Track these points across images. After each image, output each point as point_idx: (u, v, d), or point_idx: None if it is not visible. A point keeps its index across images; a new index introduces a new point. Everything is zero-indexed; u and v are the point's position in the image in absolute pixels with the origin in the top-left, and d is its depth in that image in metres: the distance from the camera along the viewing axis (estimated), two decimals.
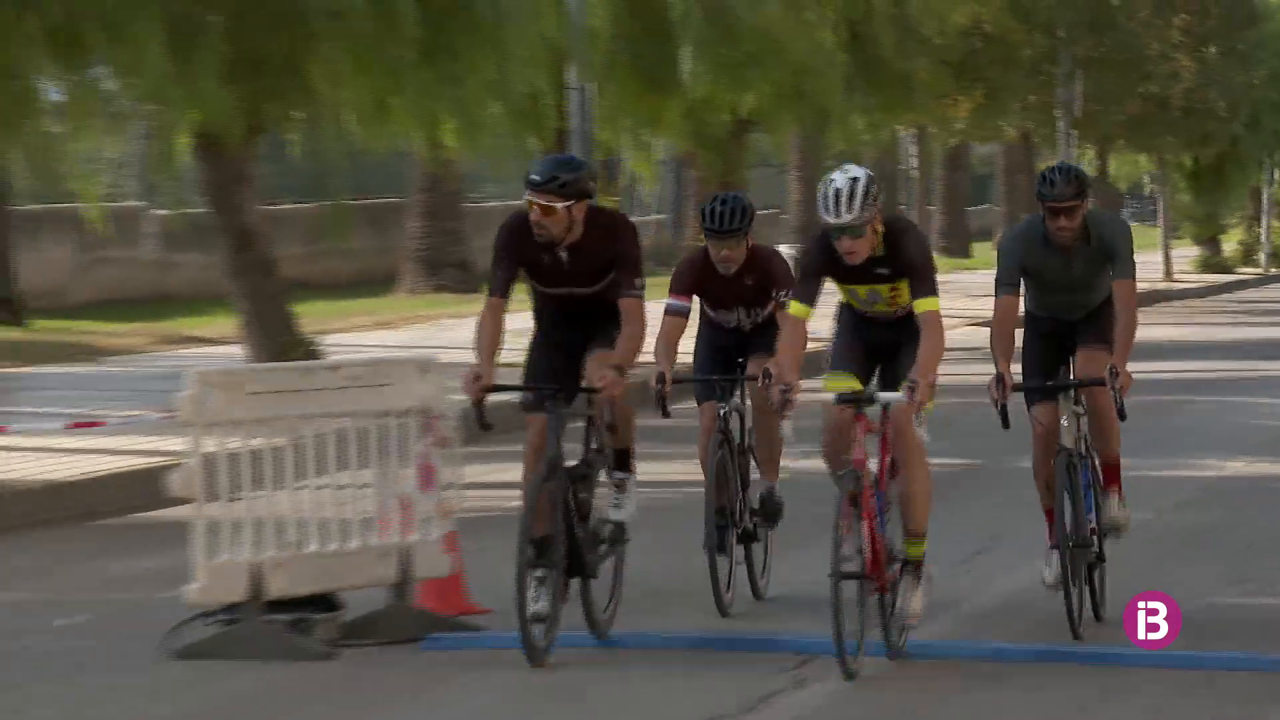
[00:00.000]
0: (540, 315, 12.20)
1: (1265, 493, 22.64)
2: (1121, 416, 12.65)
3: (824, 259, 11.07)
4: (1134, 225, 76.57)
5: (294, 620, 14.34)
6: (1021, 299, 12.71)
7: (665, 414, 12.28)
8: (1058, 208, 11.86)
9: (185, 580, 14.16)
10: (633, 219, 41.09)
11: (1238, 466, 25.03)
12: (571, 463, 12.26)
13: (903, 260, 10.96)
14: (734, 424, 14.10)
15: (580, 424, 12.59)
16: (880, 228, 10.94)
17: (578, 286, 11.55)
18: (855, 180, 10.70)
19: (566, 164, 11.46)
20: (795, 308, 11.17)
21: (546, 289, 11.66)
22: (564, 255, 11.28)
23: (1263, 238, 77.82)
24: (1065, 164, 11.78)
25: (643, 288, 11.50)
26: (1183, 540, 19.72)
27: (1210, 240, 73.39)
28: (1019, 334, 12.81)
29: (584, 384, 12.00)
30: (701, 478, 14.55)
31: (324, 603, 14.56)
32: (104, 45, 22.29)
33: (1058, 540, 12.66)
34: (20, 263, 42.38)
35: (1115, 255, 12.11)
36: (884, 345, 11.67)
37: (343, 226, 33.70)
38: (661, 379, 11.88)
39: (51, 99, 23.78)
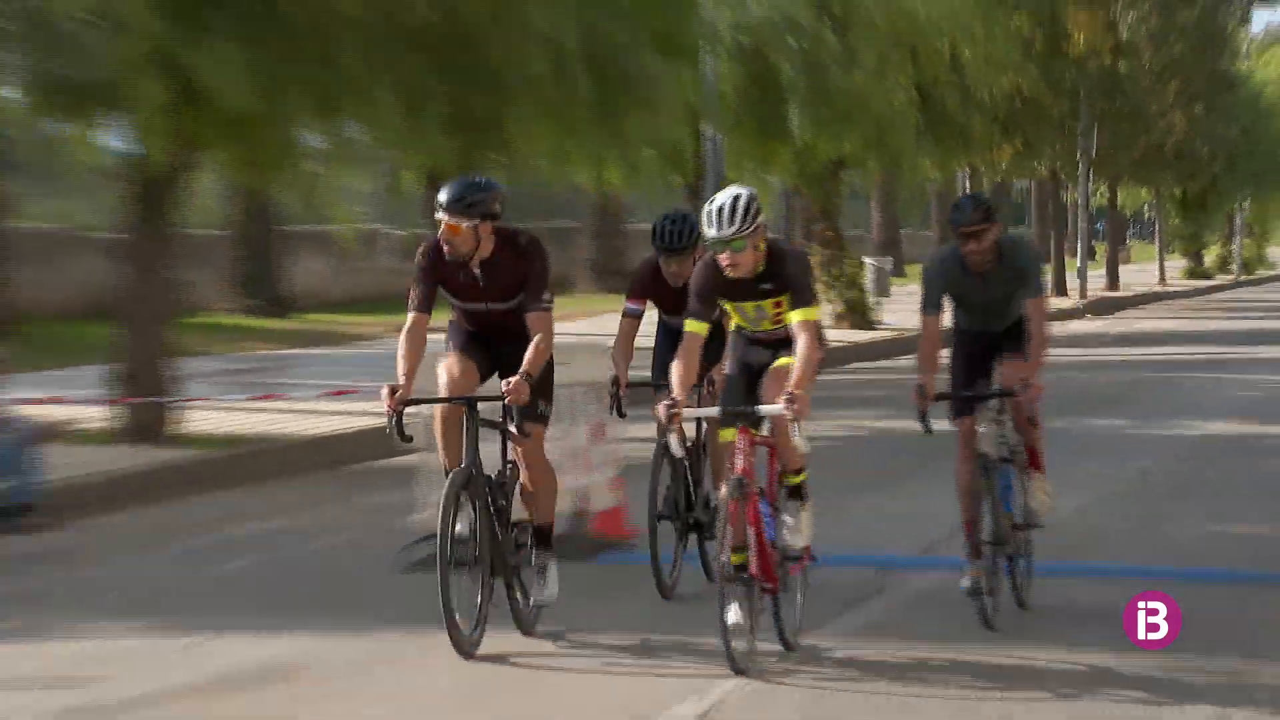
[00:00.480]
0: (455, 330, 11.11)
1: (1242, 447, 22.49)
2: (1032, 423, 11.92)
3: (715, 279, 10.14)
4: (1135, 243, 76.81)
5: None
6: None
7: (621, 415, 11.31)
8: (967, 232, 11.14)
9: (413, 511, 14.43)
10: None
11: (1220, 426, 24.75)
12: (491, 473, 11.02)
13: (784, 276, 10.05)
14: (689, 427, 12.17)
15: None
16: (763, 246, 10.04)
17: (492, 302, 10.58)
18: (737, 197, 9.85)
19: (475, 186, 10.41)
20: (691, 324, 10.20)
21: (464, 305, 10.72)
22: (478, 273, 10.39)
23: (1235, 253, 78.37)
24: (975, 193, 11.44)
25: (550, 301, 10.58)
26: (1176, 484, 19.44)
27: (1195, 254, 73.30)
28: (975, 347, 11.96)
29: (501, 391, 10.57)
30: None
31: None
32: (354, 105, 22.14)
33: (971, 551, 11.61)
34: (288, 270, 43.67)
35: (1024, 277, 11.30)
36: (765, 365, 10.77)
37: None
38: (616, 383, 10.93)
39: (314, 145, 23.71)
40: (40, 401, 19.33)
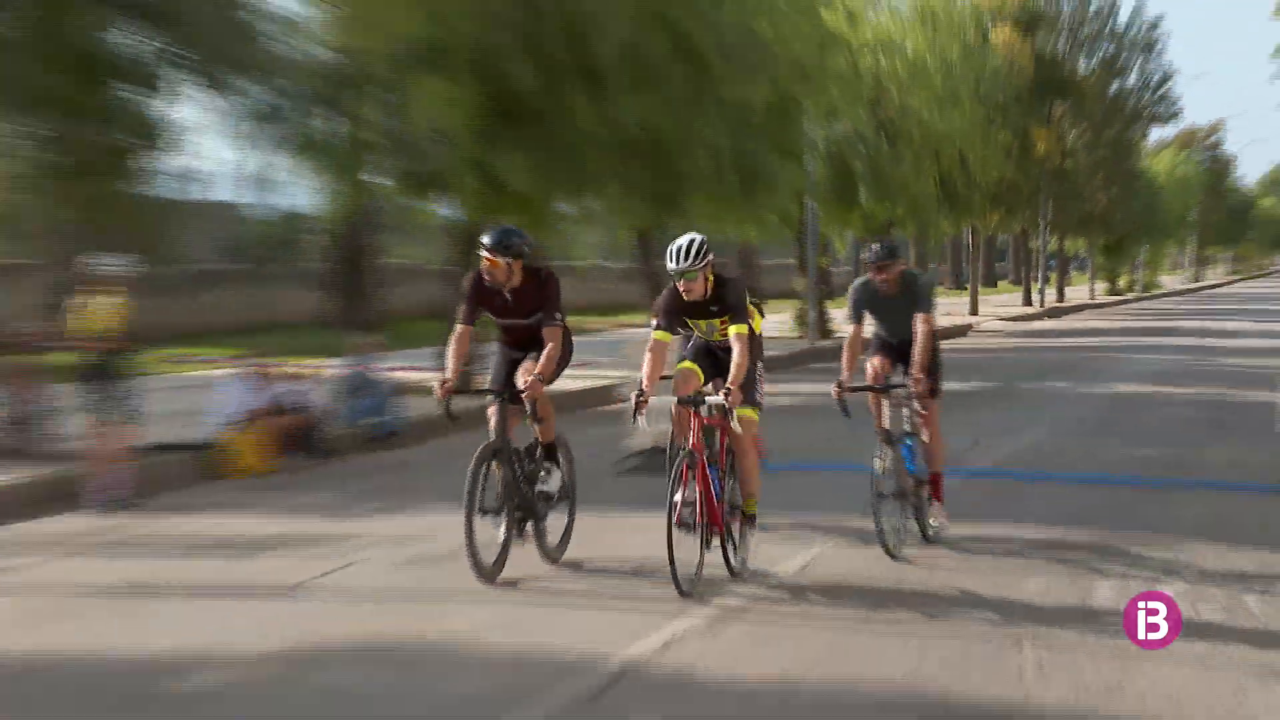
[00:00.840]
0: (499, 339, 10.02)
1: (1143, 401, 21.84)
2: (934, 394, 10.43)
3: (676, 301, 9.20)
4: (1075, 273, 75.14)
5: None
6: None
7: (636, 422, 9.30)
8: (876, 266, 10.20)
9: (626, 438, 14.30)
10: (832, 271, 38.40)
11: (1130, 387, 24.16)
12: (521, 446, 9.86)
13: (725, 302, 9.18)
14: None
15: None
16: (711, 278, 9.12)
17: (519, 318, 9.59)
18: (693, 241, 8.99)
19: (510, 233, 9.50)
20: (658, 334, 9.24)
21: (499, 320, 9.72)
22: (509, 297, 9.47)
23: (1138, 279, 77.16)
24: (883, 239, 10.12)
25: (561, 318, 9.56)
26: (1101, 424, 19.01)
27: (1112, 280, 71.85)
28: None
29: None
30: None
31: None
32: (593, 189, 22.18)
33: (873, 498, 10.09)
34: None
35: (918, 299, 10.24)
36: (718, 365, 9.70)
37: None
38: (642, 393, 9.02)
39: (567, 213, 23.85)
40: (401, 369, 19.63)
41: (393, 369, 18.47)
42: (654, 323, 9.30)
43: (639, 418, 8.83)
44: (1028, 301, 55.33)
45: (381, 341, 19.14)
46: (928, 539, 10.51)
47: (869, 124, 34.54)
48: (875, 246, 10.26)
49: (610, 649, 7.73)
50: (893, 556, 9.92)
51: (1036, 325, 46.39)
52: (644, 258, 28.23)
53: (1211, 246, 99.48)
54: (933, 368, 10.33)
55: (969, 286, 52.84)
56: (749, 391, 9.25)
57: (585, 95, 20.51)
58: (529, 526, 9.67)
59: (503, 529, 9.33)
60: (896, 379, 10.56)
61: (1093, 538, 11.13)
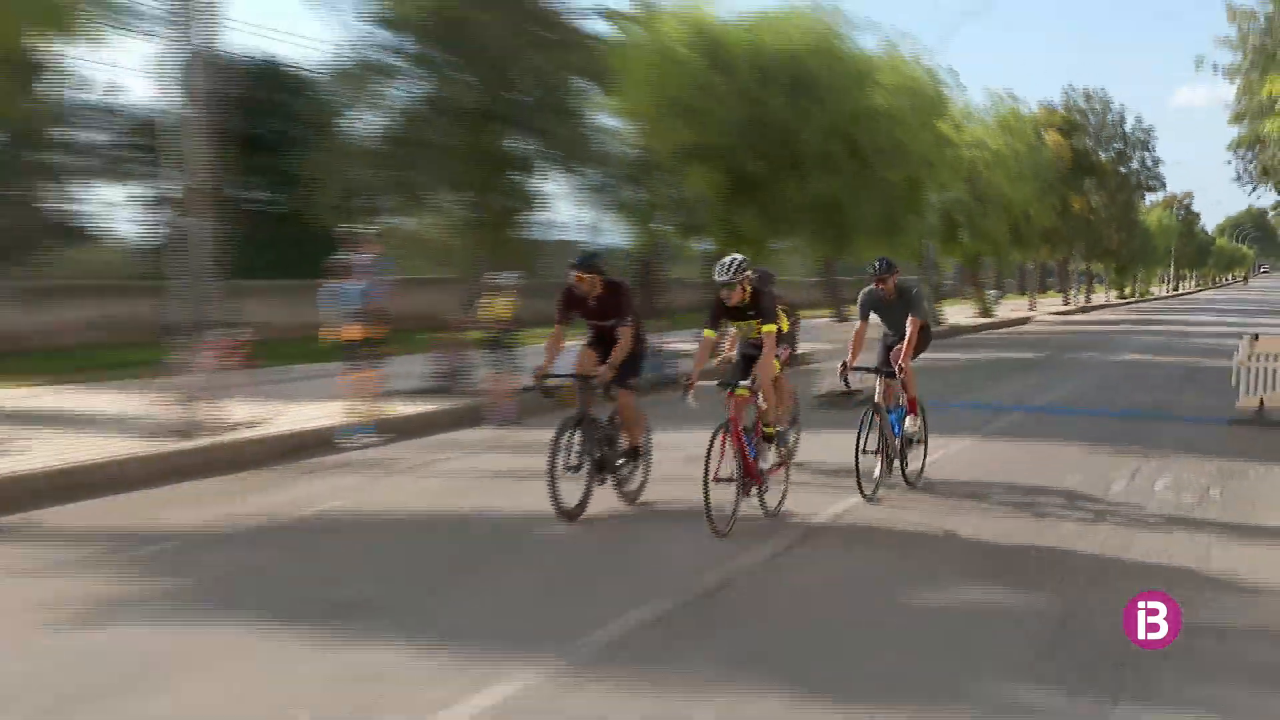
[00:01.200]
0: (588, 337, 8.33)
1: (1142, 365, 21.13)
2: (910, 394, 8.88)
3: (720, 307, 7.64)
4: (1098, 285, 70.15)
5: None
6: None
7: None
8: (876, 279, 8.70)
9: (814, 387, 14.14)
10: (943, 284, 35.94)
11: (1133, 356, 23.17)
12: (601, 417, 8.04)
13: (758, 307, 7.67)
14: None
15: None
16: (749, 288, 7.64)
17: (600, 320, 8.07)
18: (734, 260, 7.55)
19: (592, 255, 8.10)
20: (707, 332, 7.71)
21: (588, 320, 8.17)
22: (593, 303, 7.97)
23: (1136, 289, 72.63)
24: (883, 258, 8.87)
25: (631, 321, 7.97)
26: (1117, 380, 17.95)
27: (1120, 289, 67.21)
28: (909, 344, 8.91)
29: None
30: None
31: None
32: (796, 232, 22.09)
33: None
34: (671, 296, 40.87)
35: (911, 306, 8.73)
36: (753, 356, 8.23)
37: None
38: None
39: (780, 248, 23.48)
40: (671, 343, 19.43)
41: (667, 342, 18.30)
42: (705, 323, 7.81)
43: (689, 397, 7.26)
44: (1066, 303, 52.91)
45: (668, 324, 19.21)
46: (909, 484, 8.73)
47: (967, 193, 33.22)
48: (877, 263, 8.80)
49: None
50: (867, 499, 8.18)
51: (1072, 318, 44.05)
52: (826, 274, 28.13)
53: (1184, 269, 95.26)
54: (920, 348, 8.83)
55: (1029, 294, 50.63)
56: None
57: (791, 177, 20.23)
58: (608, 477, 8.01)
59: (584, 481, 7.73)
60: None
61: (1109, 450, 10.81)
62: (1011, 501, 8.44)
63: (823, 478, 9.15)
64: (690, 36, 19.21)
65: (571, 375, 7.94)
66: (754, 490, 7.51)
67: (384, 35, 17.67)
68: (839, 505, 8.22)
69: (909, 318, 8.72)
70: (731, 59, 19.29)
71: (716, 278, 7.54)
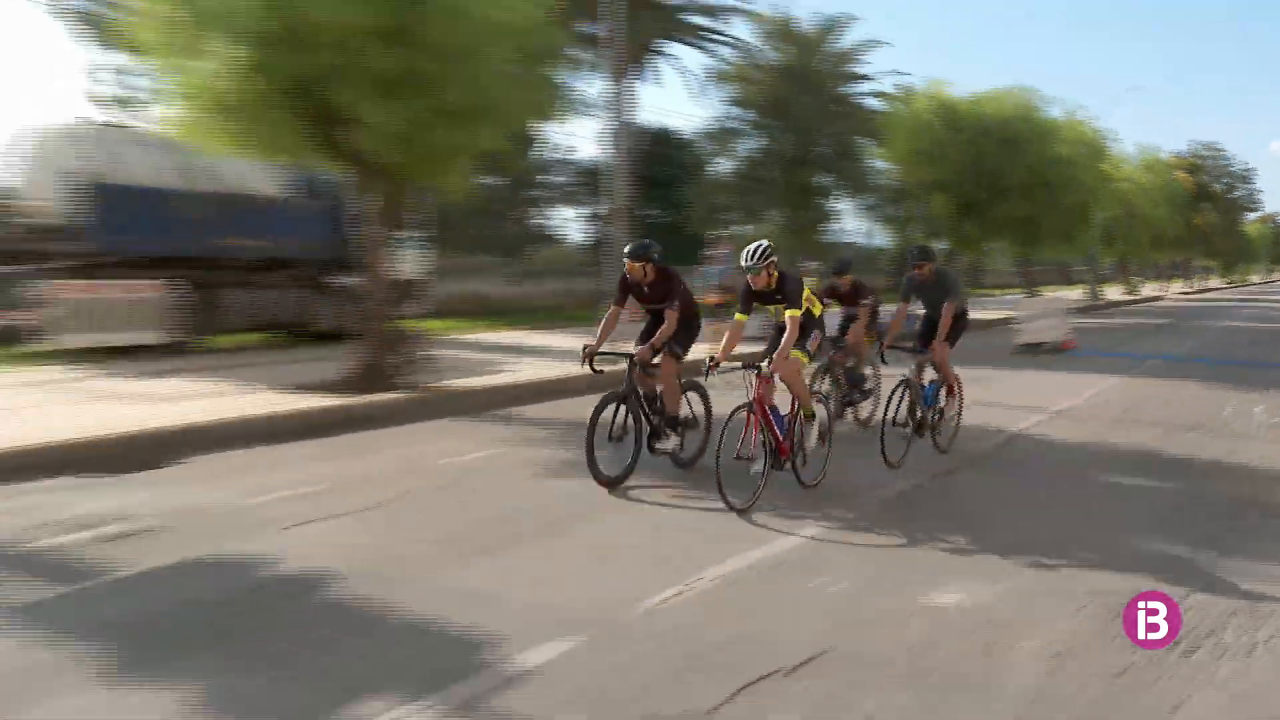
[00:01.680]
0: (644, 318, 7.61)
1: (1244, 330, 22.06)
2: (946, 377, 8.31)
3: (749, 290, 6.89)
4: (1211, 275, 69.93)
5: None
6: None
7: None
8: (916, 264, 8.20)
9: (1015, 337, 14.98)
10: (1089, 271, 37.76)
11: (1236, 324, 23.84)
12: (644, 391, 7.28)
13: (783, 291, 6.87)
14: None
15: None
16: (774, 274, 6.86)
17: (652, 303, 7.41)
18: (760, 245, 6.82)
19: (644, 244, 7.28)
20: (739, 315, 6.92)
21: (640, 303, 7.47)
22: (645, 289, 7.31)
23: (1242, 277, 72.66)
24: (921, 244, 8.62)
25: (676, 304, 7.28)
26: (1223, 339, 18.82)
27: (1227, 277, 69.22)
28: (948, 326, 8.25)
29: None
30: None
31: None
32: (1000, 236, 24.19)
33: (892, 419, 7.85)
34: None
35: (947, 290, 8.17)
36: (778, 337, 7.48)
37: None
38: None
39: (989, 247, 25.78)
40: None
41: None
42: (737, 307, 6.99)
43: (712, 374, 6.60)
44: (1189, 287, 57.32)
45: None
46: (939, 449, 8.14)
47: (1122, 213, 35.65)
48: (915, 250, 8.36)
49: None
50: (891, 466, 7.59)
51: (1191, 297, 45.67)
52: (1023, 265, 29.44)
53: (1274, 264, 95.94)
54: (955, 332, 8.27)
55: (1162, 281, 54.23)
56: (800, 343, 6.99)
57: (1000, 201, 22.74)
58: (658, 444, 7.35)
59: (630, 451, 7.13)
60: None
61: (1221, 387, 11.38)
62: (1149, 420, 9.06)
63: (1001, 410, 9.53)
64: (934, 107, 22.52)
65: (616, 353, 7.30)
66: (785, 464, 6.78)
67: (736, 111, 25.35)
68: (1026, 421, 8.94)
69: (945, 303, 8.08)
70: (962, 122, 22.34)
71: (742, 264, 6.80)
